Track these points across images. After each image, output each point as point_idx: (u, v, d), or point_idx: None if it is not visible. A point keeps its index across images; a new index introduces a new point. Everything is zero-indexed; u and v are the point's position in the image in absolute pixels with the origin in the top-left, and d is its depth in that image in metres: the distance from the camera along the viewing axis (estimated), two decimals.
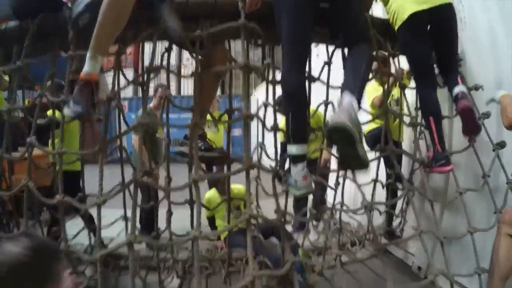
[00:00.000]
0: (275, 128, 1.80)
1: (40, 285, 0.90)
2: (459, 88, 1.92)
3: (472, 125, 1.92)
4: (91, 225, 2.93)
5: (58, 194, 1.61)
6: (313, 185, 1.54)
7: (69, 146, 2.77)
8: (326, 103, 2.09)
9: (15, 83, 1.79)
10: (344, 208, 2.44)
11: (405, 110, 2.32)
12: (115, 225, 2.40)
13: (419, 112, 2.16)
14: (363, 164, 1.37)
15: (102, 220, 2.63)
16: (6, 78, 2.04)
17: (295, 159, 1.50)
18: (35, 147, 1.64)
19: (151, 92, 2.92)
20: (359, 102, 1.41)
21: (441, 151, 1.90)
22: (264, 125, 1.77)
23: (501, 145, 1.98)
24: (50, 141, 2.78)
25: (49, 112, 2.45)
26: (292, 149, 1.50)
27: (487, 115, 2.03)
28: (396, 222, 3.06)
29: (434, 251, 2.50)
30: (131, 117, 8.93)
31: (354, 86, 1.44)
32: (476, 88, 2.09)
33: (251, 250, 1.29)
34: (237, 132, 7.99)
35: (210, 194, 3.29)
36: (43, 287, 0.90)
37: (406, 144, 3.08)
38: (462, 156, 2.15)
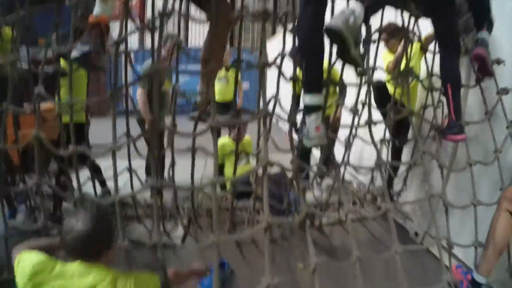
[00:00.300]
0: (293, 79, 1.72)
1: (103, 250, 1.15)
2: (481, 34, 1.94)
3: (483, 71, 1.97)
4: (98, 176, 3.00)
5: (64, 146, 1.61)
6: (325, 137, 1.51)
7: (75, 98, 2.75)
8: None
9: (17, 34, 1.72)
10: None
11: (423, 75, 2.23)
12: (120, 177, 2.40)
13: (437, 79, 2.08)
14: (355, 63, 1.47)
15: (107, 171, 2.67)
16: (8, 30, 1.93)
17: (309, 109, 1.46)
18: (43, 97, 1.59)
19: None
20: (367, 13, 1.39)
21: (456, 119, 1.86)
22: (281, 74, 1.70)
23: None
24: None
25: None
26: (306, 98, 1.46)
27: (506, 90, 1.96)
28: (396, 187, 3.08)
29: (433, 219, 2.56)
30: (137, 68, 8.89)
31: None
32: (498, 62, 2.01)
33: (267, 196, 1.29)
34: (245, 85, 7.86)
35: (224, 141, 3.34)
36: (107, 250, 1.16)
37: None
38: (474, 130, 2.11)
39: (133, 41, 9.74)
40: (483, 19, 1.96)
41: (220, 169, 3.18)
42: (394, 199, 3.03)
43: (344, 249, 2.58)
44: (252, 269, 2.28)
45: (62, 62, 2.53)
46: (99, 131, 3.07)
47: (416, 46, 2.36)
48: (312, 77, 1.46)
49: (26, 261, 1.12)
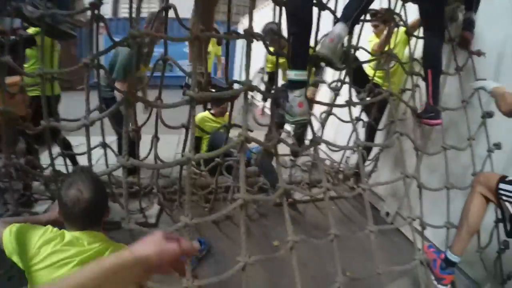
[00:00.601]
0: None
1: (103, 217, 1.21)
2: (469, 14, 2.06)
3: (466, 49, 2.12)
4: (68, 152, 2.85)
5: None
6: (308, 113, 1.50)
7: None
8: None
9: None
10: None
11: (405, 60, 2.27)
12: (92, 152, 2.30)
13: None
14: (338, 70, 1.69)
15: (79, 148, 2.54)
16: None
17: (294, 85, 1.44)
18: (11, 66, 1.46)
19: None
20: (351, 28, 1.51)
21: (433, 104, 1.90)
22: (267, 48, 1.62)
23: (490, 114, 2.02)
24: None
25: None
26: (292, 74, 1.43)
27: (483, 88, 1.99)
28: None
29: (407, 199, 2.65)
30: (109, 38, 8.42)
31: (349, 15, 1.49)
32: (479, 54, 2.08)
33: (243, 173, 1.27)
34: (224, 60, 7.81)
35: (203, 115, 3.23)
36: (105, 216, 1.22)
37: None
38: (449, 117, 2.18)
39: (105, 9, 9.23)
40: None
41: (198, 143, 3.09)
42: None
43: (318, 226, 2.66)
44: (231, 243, 2.31)
45: (31, 30, 2.35)
46: (70, 105, 2.91)
47: (401, 32, 2.37)
48: (299, 53, 1.43)
49: (28, 232, 1.12)
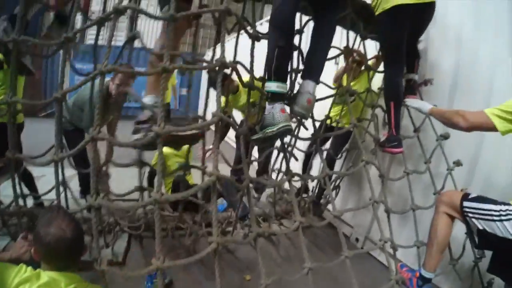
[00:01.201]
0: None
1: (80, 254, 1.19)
2: (411, 76, 2.17)
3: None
4: (30, 185, 2.64)
5: None
6: (290, 119, 1.52)
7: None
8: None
9: None
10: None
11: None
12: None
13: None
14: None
15: (41, 179, 2.36)
16: None
17: (275, 97, 1.46)
18: None
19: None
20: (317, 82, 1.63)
21: (395, 133, 2.01)
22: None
23: (445, 136, 2.19)
24: None
25: None
26: (273, 86, 1.45)
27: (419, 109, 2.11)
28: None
29: (372, 224, 2.73)
30: (75, 66, 8.07)
31: (317, 73, 1.61)
32: (425, 83, 2.27)
33: (215, 215, 1.23)
34: (184, 91, 7.94)
35: (165, 151, 3.12)
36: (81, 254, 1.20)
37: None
38: (407, 144, 2.29)
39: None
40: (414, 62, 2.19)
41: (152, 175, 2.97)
42: (322, 208, 3.16)
43: (291, 258, 2.61)
44: (192, 277, 2.19)
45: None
46: (30, 132, 2.75)
47: (363, 70, 2.54)
48: (283, 65, 1.48)
49: (1, 270, 1.07)
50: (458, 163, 2.12)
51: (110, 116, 2.76)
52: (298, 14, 1.67)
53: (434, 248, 1.74)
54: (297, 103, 1.56)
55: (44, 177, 3.05)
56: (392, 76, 2.02)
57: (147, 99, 1.54)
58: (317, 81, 1.62)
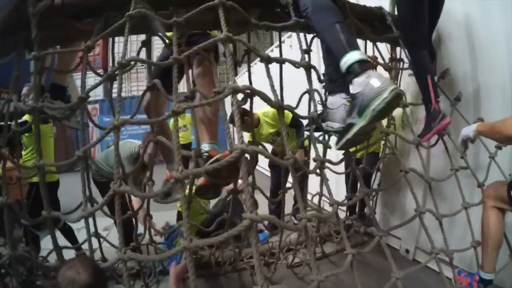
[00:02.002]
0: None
1: None
2: None
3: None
4: (70, 238, 2.72)
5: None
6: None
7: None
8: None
9: None
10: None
11: None
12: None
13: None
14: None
15: (81, 232, 2.39)
16: None
17: (363, 66, 1.24)
18: (8, 160, 1.46)
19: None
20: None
21: (438, 109, 1.85)
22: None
23: (480, 119, 1.94)
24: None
25: None
26: (356, 54, 1.25)
27: (458, 98, 2.01)
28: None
29: (420, 232, 2.51)
30: (103, 120, 8.47)
31: (340, 81, 1.46)
32: (443, 76, 2.11)
33: (258, 261, 1.03)
34: None
35: None
36: None
37: None
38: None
39: (97, 91, 9.46)
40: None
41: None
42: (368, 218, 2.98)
43: (340, 284, 2.42)
44: None
45: (27, 117, 2.36)
46: (69, 186, 2.85)
47: None
48: (351, 37, 1.36)
49: None
50: (499, 146, 1.91)
51: (140, 178, 2.79)
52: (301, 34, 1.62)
53: (489, 246, 1.61)
54: (336, 119, 1.46)
55: (84, 229, 3.11)
56: (418, 52, 1.87)
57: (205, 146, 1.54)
58: (348, 92, 1.43)
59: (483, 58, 2.02)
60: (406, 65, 2.24)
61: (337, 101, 1.50)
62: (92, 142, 1.41)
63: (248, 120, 1.93)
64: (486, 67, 2.01)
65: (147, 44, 1.61)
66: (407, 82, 2.54)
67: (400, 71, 2.43)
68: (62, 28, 1.58)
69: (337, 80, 1.54)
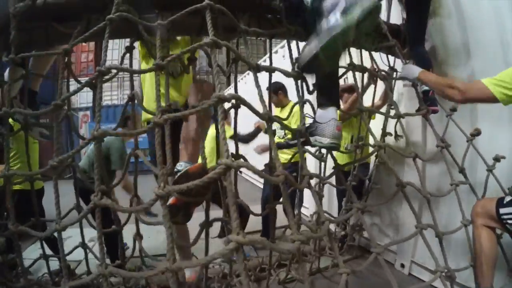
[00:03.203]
0: None
1: None
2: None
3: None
4: (55, 248, 2.57)
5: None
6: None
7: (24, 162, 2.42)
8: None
9: None
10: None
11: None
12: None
13: None
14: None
15: (68, 241, 2.27)
16: None
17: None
18: None
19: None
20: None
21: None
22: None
23: (477, 133, 1.86)
24: None
25: None
26: None
27: (454, 109, 1.92)
28: None
29: (416, 247, 2.42)
30: (92, 127, 8.30)
31: (331, 97, 1.46)
32: None
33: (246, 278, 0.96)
34: None
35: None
36: None
37: None
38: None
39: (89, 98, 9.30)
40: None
41: None
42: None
43: None
44: None
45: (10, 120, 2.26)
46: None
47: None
48: None
49: None
50: (497, 158, 1.81)
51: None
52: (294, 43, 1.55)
53: (484, 266, 1.52)
54: (326, 134, 1.38)
55: (70, 238, 2.99)
56: (419, 48, 1.97)
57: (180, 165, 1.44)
58: (338, 106, 1.47)
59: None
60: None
61: (327, 115, 1.41)
62: (70, 152, 1.28)
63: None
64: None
65: (131, 50, 1.50)
66: (400, 93, 2.48)
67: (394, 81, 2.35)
68: (43, 31, 1.48)
69: (326, 91, 1.47)
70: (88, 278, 1.19)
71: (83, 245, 1.83)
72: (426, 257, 2.29)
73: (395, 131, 2.44)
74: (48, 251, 2.34)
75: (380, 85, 2.38)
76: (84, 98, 9.38)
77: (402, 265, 2.55)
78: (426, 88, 1.95)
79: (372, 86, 2.34)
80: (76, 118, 9.59)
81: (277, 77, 1.48)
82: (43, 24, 1.45)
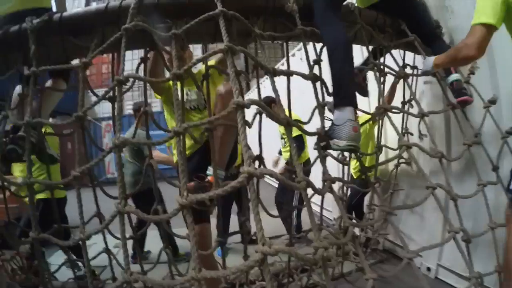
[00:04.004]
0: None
1: None
2: (454, 77, 1.84)
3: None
4: (79, 254, 2.61)
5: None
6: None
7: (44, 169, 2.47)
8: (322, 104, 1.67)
9: None
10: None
11: None
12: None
13: None
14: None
15: (92, 247, 2.30)
16: None
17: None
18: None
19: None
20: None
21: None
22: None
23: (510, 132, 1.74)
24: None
25: None
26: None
27: (493, 101, 1.82)
28: None
29: (443, 249, 2.31)
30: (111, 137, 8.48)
31: (348, 96, 1.39)
32: (472, 72, 1.90)
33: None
34: None
35: None
36: None
37: None
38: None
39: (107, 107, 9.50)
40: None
41: None
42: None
43: None
44: None
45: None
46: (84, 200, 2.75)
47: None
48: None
49: None
50: None
51: None
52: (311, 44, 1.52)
53: None
54: (342, 137, 1.30)
55: (95, 245, 3.03)
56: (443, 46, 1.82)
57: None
58: (355, 105, 1.38)
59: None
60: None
61: (343, 116, 1.33)
62: (92, 162, 1.28)
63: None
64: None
65: (145, 60, 1.50)
66: (422, 91, 2.39)
67: (415, 78, 2.27)
68: (59, 45, 1.50)
69: (342, 91, 1.39)
70: (113, 285, 1.20)
71: (107, 250, 1.84)
72: (453, 260, 2.18)
73: (419, 130, 2.34)
74: (73, 256, 2.40)
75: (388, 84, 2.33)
76: (107, 108, 9.57)
77: (428, 269, 2.44)
78: (450, 79, 1.84)
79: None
80: (99, 127, 9.81)
81: (295, 80, 1.43)
82: (60, 39, 1.48)
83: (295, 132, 3.63)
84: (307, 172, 2.56)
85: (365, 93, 2.24)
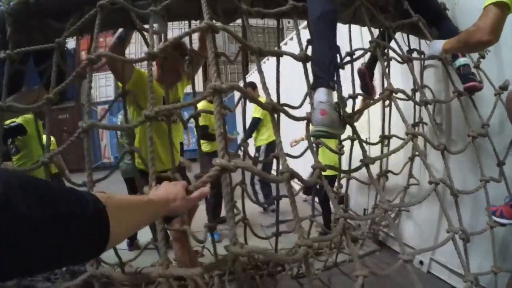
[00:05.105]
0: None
1: None
2: (461, 61, 1.74)
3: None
4: None
5: None
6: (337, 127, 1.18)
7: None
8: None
9: None
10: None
11: None
12: None
13: None
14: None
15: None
16: None
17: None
18: None
19: None
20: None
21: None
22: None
23: None
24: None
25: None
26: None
27: (505, 87, 1.68)
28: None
29: (436, 243, 2.23)
30: (112, 120, 8.33)
31: (326, 75, 1.18)
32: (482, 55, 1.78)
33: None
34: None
35: None
36: None
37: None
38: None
39: (109, 92, 9.37)
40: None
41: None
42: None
43: None
44: None
45: (21, 119, 2.28)
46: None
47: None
48: None
49: None
50: None
51: None
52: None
53: None
54: (313, 122, 1.15)
55: None
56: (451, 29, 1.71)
57: None
58: (330, 85, 1.17)
59: None
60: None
61: (316, 98, 1.16)
62: (59, 148, 1.19)
63: None
64: None
65: (123, 39, 1.40)
66: (426, 76, 2.23)
67: (422, 64, 2.11)
68: (39, 30, 1.41)
69: (319, 70, 1.20)
70: (79, 279, 1.14)
71: None
72: (447, 255, 2.10)
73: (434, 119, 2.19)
74: None
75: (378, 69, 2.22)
76: (104, 92, 9.46)
77: (421, 262, 2.37)
78: (457, 64, 1.71)
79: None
80: (94, 112, 9.70)
81: (286, 61, 1.30)
82: (39, 22, 1.39)
83: (254, 113, 3.61)
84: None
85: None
